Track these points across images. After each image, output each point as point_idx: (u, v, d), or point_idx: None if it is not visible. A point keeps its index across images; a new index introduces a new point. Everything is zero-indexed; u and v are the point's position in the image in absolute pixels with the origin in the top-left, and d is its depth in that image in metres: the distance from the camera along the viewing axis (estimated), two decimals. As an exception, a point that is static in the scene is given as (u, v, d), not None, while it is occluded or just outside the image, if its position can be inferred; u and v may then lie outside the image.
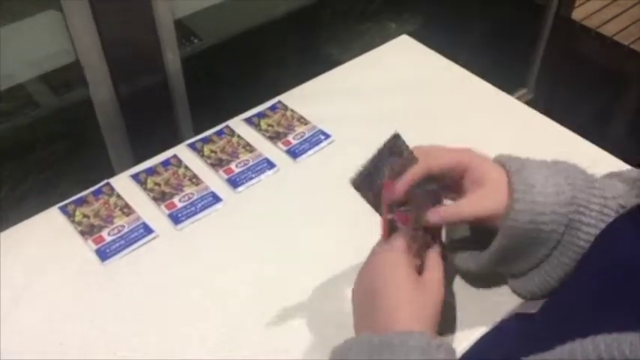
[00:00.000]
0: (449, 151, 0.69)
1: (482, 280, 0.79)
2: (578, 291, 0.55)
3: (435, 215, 0.67)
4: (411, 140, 0.72)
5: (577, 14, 2.05)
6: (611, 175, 0.72)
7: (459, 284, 0.79)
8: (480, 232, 0.71)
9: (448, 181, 0.69)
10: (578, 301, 0.53)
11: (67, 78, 1.11)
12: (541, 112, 1.05)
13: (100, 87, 1.03)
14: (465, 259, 0.73)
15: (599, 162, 0.95)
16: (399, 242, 0.65)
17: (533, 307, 0.62)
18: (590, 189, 0.66)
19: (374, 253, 0.67)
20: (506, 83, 1.12)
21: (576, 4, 2.05)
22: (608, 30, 1.99)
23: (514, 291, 0.76)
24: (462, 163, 0.68)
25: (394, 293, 0.61)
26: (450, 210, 0.68)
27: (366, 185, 0.68)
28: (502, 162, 0.68)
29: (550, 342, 0.45)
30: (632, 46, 1.93)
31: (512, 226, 0.64)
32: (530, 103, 1.09)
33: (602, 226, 0.64)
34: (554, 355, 0.44)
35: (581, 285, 0.56)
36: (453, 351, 0.55)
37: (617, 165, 0.93)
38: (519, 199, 0.63)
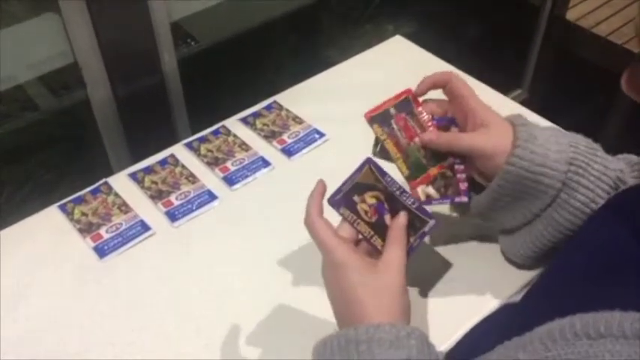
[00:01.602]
0: (464, 85, 0.72)
1: (471, 272, 0.81)
2: (559, 274, 0.56)
3: (431, 134, 0.70)
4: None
5: (571, 14, 2.06)
6: (618, 157, 0.75)
7: (447, 278, 0.81)
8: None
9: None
10: (558, 283, 0.54)
11: (65, 80, 1.12)
12: (536, 112, 1.06)
13: (98, 88, 1.04)
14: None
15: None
16: (345, 235, 0.65)
17: (518, 298, 0.63)
18: (592, 155, 0.68)
19: (325, 252, 0.64)
20: (502, 83, 1.14)
21: (570, 5, 2.07)
22: (602, 30, 2.00)
23: (504, 251, 0.78)
24: (470, 101, 0.71)
25: (354, 289, 0.60)
26: (448, 135, 0.71)
27: (341, 201, 0.69)
28: (509, 118, 0.71)
29: (531, 325, 0.47)
30: (625, 45, 1.94)
31: (510, 171, 0.66)
32: (525, 103, 1.10)
33: (599, 192, 0.66)
34: (533, 335, 0.46)
35: (561, 269, 0.57)
36: (424, 337, 0.56)
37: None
38: (521, 146, 0.66)
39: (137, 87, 1.07)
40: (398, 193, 0.65)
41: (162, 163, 0.97)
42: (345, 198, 0.67)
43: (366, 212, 0.66)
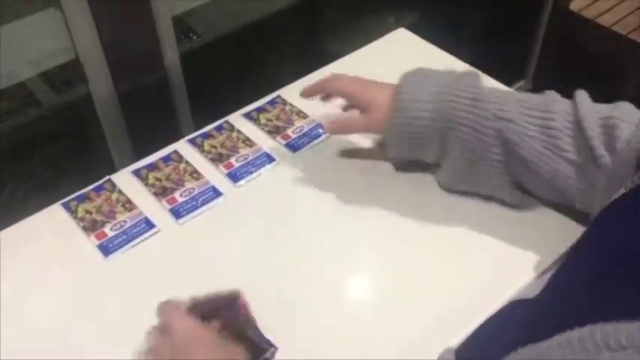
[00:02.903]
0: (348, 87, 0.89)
1: (479, 267, 0.80)
2: (575, 277, 0.55)
3: (332, 124, 0.90)
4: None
5: (575, 5, 2.05)
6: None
7: (454, 271, 0.80)
8: None
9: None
10: (575, 287, 0.53)
11: (67, 76, 1.11)
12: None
13: (100, 84, 1.03)
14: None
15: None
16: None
17: (531, 293, 0.62)
18: (458, 89, 0.79)
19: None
20: (506, 74, 1.13)
21: (574, -5, 2.05)
22: (606, 20, 1.99)
23: (440, 183, 0.89)
24: (354, 95, 0.88)
25: None
26: (346, 122, 0.90)
27: None
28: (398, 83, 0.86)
29: (548, 330, 0.46)
30: (630, 35, 1.93)
31: (393, 131, 0.83)
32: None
33: (480, 113, 0.77)
34: (552, 343, 0.44)
35: (578, 270, 0.56)
36: None
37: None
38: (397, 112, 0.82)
39: (139, 82, 1.07)
40: (242, 325, 0.69)
41: (166, 159, 0.96)
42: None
43: None
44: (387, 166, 0.93)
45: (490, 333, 0.64)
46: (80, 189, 0.92)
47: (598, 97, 0.77)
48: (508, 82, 1.11)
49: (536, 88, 2.14)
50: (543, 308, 0.56)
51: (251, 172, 0.94)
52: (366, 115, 0.86)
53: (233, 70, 1.40)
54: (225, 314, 0.70)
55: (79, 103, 1.11)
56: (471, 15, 2.10)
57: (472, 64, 1.13)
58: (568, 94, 0.80)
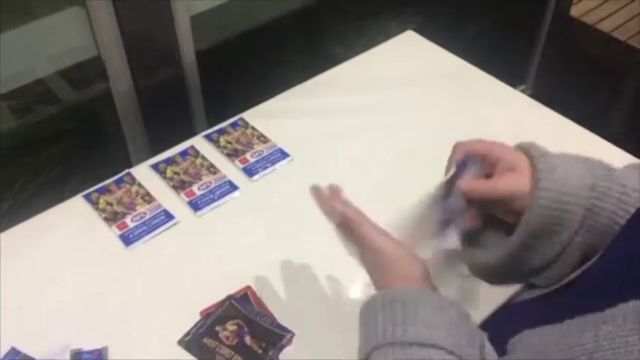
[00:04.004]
0: (483, 143, 0.72)
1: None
2: (612, 264, 0.55)
3: (467, 184, 0.70)
4: (425, 129, 0.75)
5: (575, 11, 2.08)
6: (630, 166, 0.75)
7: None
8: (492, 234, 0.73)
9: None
10: (613, 272, 0.53)
11: (86, 73, 1.14)
12: (539, 109, 1.09)
13: (120, 80, 1.06)
14: (480, 253, 0.72)
15: (598, 150, 0.99)
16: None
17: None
18: (609, 176, 0.67)
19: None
20: (506, 79, 1.16)
21: (575, 1, 2.09)
22: (605, 26, 2.02)
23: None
24: (494, 152, 0.71)
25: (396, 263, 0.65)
26: (484, 184, 0.70)
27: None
28: (525, 148, 0.70)
29: (609, 300, 0.46)
30: (629, 41, 1.96)
31: (538, 205, 0.65)
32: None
33: (621, 213, 0.65)
34: (616, 310, 0.45)
35: (616, 256, 0.56)
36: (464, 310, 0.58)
37: (617, 153, 0.97)
38: (544, 179, 0.65)
39: (157, 79, 1.10)
40: (258, 318, 0.77)
41: (183, 154, 0.99)
42: (208, 329, 0.76)
43: (227, 337, 0.76)
44: (402, 167, 0.97)
45: (524, 309, 0.66)
46: (99, 182, 0.95)
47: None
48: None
49: (537, 92, 2.18)
50: (595, 285, 0.56)
51: (266, 167, 0.97)
52: (514, 175, 0.70)
53: (243, 71, 1.44)
54: (243, 314, 0.77)
55: (98, 99, 1.14)
56: (472, 20, 2.13)
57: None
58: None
